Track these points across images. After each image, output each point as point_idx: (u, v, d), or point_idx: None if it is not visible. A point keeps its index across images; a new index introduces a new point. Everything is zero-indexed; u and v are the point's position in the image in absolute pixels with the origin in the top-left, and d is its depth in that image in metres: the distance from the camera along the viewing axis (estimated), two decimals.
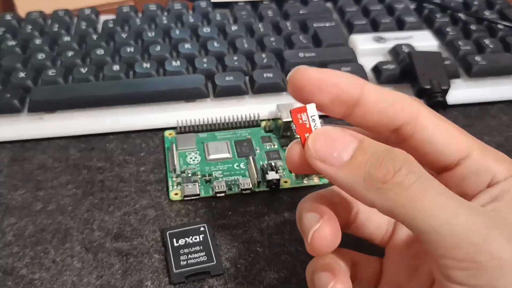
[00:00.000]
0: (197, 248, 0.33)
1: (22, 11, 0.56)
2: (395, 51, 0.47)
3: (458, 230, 0.21)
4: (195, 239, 0.34)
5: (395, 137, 0.25)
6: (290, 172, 0.38)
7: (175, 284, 0.32)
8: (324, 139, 0.23)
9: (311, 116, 0.24)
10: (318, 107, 0.24)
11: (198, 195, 0.37)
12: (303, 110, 0.24)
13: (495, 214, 0.22)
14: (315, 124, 0.24)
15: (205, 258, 0.32)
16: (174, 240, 0.34)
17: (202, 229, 0.34)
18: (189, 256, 0.33)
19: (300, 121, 0.24)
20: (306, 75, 0.24)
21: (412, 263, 0.27)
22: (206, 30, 0.49)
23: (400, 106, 0.24)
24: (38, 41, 0.48)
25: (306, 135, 0.24)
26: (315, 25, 0.50)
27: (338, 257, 0.28)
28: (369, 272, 0.29)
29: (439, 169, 0.25)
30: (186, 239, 0.34)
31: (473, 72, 0.45)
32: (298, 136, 0.24)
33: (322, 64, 0.45)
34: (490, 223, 0.21)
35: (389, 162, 0.22)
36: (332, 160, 0.23)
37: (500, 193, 0.23)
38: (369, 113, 0.24)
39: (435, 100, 0.41)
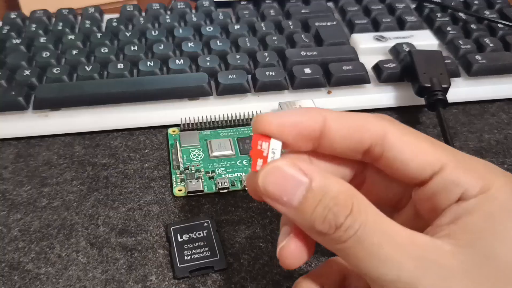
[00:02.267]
0: (201, 243, 0.33)
1: (26, 10, 0.56)
2: (395, 50, 0.48)
3: (386, 279, 0.22)
4: (199, 234, 0.34)
5: (367, 157, 0.25)
6: None
7: (179, 279, 0.32)
8: (274, 179, 0.23)
9: (272, 149, 0.24)
10: (284, 145, 0.24)
11: (202, 191, 0.37)
12: (267, 139, 0.24)
13: (435, 251, 0.22)
14: (273, 156, 0.24)
15: (208, 253, 0.33)
16: (178, 235, 0.34)
17: (205, 224, 0.35)
18: (193, 251, 0.33)
19: (259, 147, 0.24)
20: (264, 122, 0.24)
21: None
22: (209, 29, 0.50)
23: (365, 129, 0.24)
24: (42, 40, 0.48)
25: (259, 161, 0.24)
26: (316, 24, 0.51)
27: (325, 274, 0.28)
28: (361, 285, 0.28)
29: (415, 185, 0.25)
30: (190, 234, 0.34)
31: (473, 71, 0.46)
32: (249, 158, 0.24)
33: (324, 63, 0.45)
34: (419, 269, 0.21)
35: (332, 218, 0.22)
36: (282, 202, 0.23)
37: (463, 212, 0.23)
38: (335, 142, 0.24)
39: (436, 98, 0.42)
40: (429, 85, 0.42)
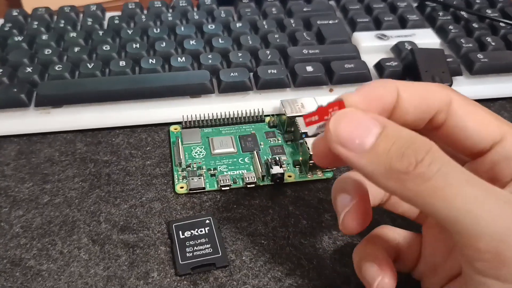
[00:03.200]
0: (203, 240, 0.33)
1: (28, 7, 0.56)
2: (397, 48, 0.48)
3: (480, 221, 0.20)
4: (201, 231, 0.34)
5: (429, 125, 0.25)
6: (295, 166, 0.39)
7: (181, 276, 0.32)
8: (346, 123, 0.22)
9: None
10: None
11: (204, 188, 0.37)
12: (342, 106, 0.24)
13: None
14: None
15: (210, 250, 0.33)
16: (180, 232, 0.34)
17: (207, 221, 0.35)
18: (195, 248, 0.33)
19: (331, 113, 0.24)
20: (354, 97, 0.24)
21: (448, 244, 0.27)
22: (211, 27, 0.50)
23: (433, 96, 0.25)
24: (44, 37, 0.48)
25: (326, 117, 0.24)
26: (318, 22, 0.51)
27: (382, 240, 0.28)
28: (410, 251, 0.29)
29: (473, 155, 0.25)
30: (192, 231, 0.34)
31: (475, 70, 0.46)
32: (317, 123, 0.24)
33: (326, 61, 0.45)
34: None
35: (411, 153, 0.21)
36: (354, 147, 0.22)
37: None
38: (407, 112, 0.25)
39: None
40: None
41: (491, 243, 0.20)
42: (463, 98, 0.25)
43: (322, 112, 0.24)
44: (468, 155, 0.25)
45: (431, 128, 0.25)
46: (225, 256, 0.33)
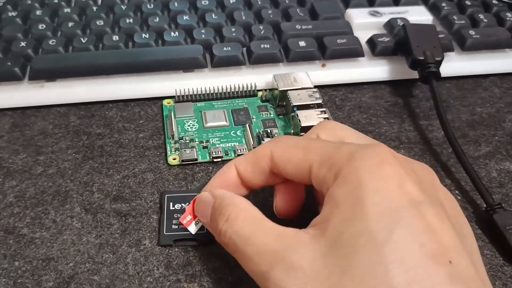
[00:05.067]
0: None
1: None
2: (390, 24, 0.48)
3: (258, 273, 0.25)
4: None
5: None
6: None
7: (162, 246, 0.32)
8: (197, 204, 0.31)
9: None
10: None
11: (196, 159, 0.38)
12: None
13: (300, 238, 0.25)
14: None
15: None
16: (171, 203, 0.34)
17: None
18: None
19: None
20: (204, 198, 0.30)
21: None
22: (205, 2, 0.50)
23: (261, 158, 0.29)
24: (38, 12, 0.48)
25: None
26: None
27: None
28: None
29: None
30: (183, 204, 0.34)
31: (466, 46, 0.46)
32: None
33: (319, 36, 0.46)
34: (272, 263, 0.24)
35: (215, 225, 0.28)
36: (204, 222, 0.30)
37: (325, 202, 0.25)
38: (249, 180, 0.30)
39: (429, 70, 0.42)
40: (422, 58, 0.42)
41: (260, 276, 0.25)
42: (280, 147, 0.29)
43: (192, 212, 0.31)
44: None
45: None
46: (209, 234, 0.32)
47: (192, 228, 0.31)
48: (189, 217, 0.31)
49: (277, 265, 0.24)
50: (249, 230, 0.26)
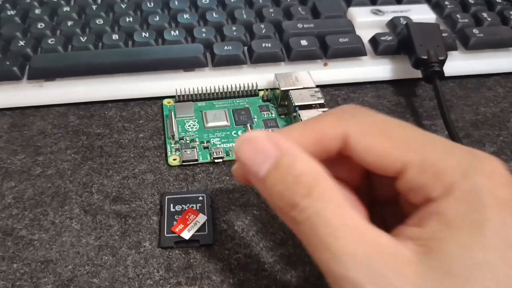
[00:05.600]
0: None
1: None
2: (392, 23, 0.48)
3: (335, 275, 0.21)
4: (192, 207, 0.34)
5: (337, 155, 0.25)
6: None
7: (163, 248, 0.32)
8: (247, 149, 0.24)
9: None
10: None
11: (196, 160, 0.37)
12: (191, 211, 0.33)
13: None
14: None
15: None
16: (172, 205, 0.34)
17: (200, 198, 0.34)
18: None
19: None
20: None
21: None
22: (205, 1, 0.49)
23: (326, 137, 0.24)
24: (37, 11, 0.48)
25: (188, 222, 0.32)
26: None
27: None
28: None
29: (392, 180, 0.24)
30: (183, 205, 0.34)
31: (470, 45, 0.46)
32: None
33: (321, 35, 0.45)
34: (367, 276, 0.20)
35: (288, 194, 0.22)
36: (251, 172, 0.24)
37: (426, 216, 0.22)
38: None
39: (432, 70, 0.41)
40: (425, 57, 0.42)
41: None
42: (360, 130, 0.24)
43: (184, 220, 0.32)
44: (386, 179, 0.24)
45: (340, 156, 0.25)
46: (211, 235, 0.32)
47: (186, 235, 0.32)
48: (181, 226, 0.32)
49: (366, 276, 0.20)
50: (338, 219, 0.21)
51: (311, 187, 0.22)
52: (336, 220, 0.21)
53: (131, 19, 0.47)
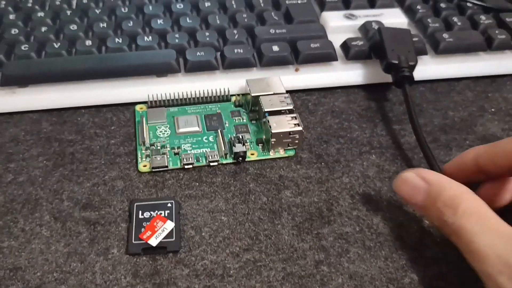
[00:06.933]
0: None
1: None
2: (364, 28, 0.48)
3: (484, 273, 0.26)
4: (160, 214, 0.34)
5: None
6: (258, 144, 0.39)
7: (131, 255, 0.32)
8: (403, 187, 0.32)
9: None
10: None
11: (166, 166, 0.37)
12: (159, 218, 0.34)
13: None
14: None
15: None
16: (140, 212, 0.34)
17: (169, 205, 0.35)
18: None
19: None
20: None
21: None
22: (179, 6, 0.50)
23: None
24: (11, 17, 0.48)
25: (155, 229, 0.33)
26: (287, 2, 0.51)
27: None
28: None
29: None
30: (152, 212, 0.34)
31: (440, 49, 0.46)
32: None
33: (293, 40, 0.46)
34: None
35: (441, 216, 0.29)
36: (410, 204, 0.32)
37: None
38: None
39: (402, 75, 0.42)
40: (396, 62, 0.43)
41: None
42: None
43: (151, 227, 0.33)
44: None
45: None
46: (178, 242, 0.33)
47: (153, 242, 0.32)
48: (149, 233, 0.33)
49: (502, 271, 0.25)
50: (478, 227, 0.27)
51: (455, 207, 0.28)
52: (476, 228, 0.27)
53: (105, 24, 0.47)
